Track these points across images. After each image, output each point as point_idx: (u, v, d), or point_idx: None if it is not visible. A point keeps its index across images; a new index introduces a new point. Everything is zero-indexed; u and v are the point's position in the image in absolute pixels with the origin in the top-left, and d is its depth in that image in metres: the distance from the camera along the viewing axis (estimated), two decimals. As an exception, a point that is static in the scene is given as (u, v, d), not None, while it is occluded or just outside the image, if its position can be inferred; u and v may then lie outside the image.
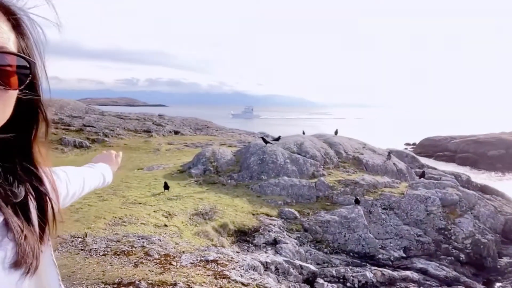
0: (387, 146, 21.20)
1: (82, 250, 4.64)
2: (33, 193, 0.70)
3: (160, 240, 5.11)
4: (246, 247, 7.75)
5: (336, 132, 15.64)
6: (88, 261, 4.26)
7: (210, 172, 11.32)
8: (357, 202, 9.77)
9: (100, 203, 7.85)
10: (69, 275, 3.85)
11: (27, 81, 0.61)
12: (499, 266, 9.20)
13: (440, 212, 9.99)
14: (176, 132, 21.23)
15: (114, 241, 4.96)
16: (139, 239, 5.02)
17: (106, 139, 17.27)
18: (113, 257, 4.38)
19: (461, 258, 8.93)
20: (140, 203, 8.05)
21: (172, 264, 4.15)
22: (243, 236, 8.08)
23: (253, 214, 8.84)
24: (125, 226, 6.35)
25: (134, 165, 12.95)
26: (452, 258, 8.88)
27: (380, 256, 8.65)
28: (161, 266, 4.10)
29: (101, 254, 4.48)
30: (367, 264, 8.29)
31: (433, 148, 34.25)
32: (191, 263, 4.20)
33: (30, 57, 0.62)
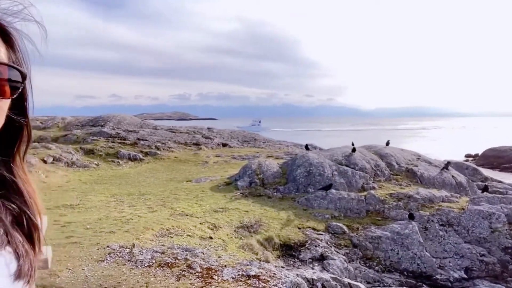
0: (445, 157, 19.87)
1: (128, 260, 4.77)
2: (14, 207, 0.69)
3: (203, 253, 5.12)
4: (291, 262, 7.55)
5: (387, 143, 14.95)
6: (133, 272, 4.36)
7: (256, 184, 11.28)
8: (411, 217, 9.17)
9: (150, 214, 8.10)
10: (114, 285, 3.95)
11: (19, 91, 0.61)
12: None
13: (506, 229, 9.06)
14: (224, 145, 21.59)
15: (159, 252, 5.05)
16: (182, 251, 5.06)
17: (158, 152, 17.97)
18: (157, 269, 4.44)
19: (534, 283, 7.99)
20: (187, 215, 8.19)
21: (213, 278, 4.11)
22: (289, 251, 7.90)
23: (299, 228, 8.62)
24: (171, 237, 6.47)
25: (183, 177, 13.30)
26: (523, 282, 7.97)
27: (438, 276, 7.99)
28: (202, 280, 4.07)
29: (146, 265, 4.56)
30: (423, 285, 7.70)
31: (497, 159, 31.53)
32: (232, 278, 4.13)
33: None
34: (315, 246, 7.99)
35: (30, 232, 0.71)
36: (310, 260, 7.62)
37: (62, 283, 3.96)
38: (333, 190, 10.48)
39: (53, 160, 14.50)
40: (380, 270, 8.04)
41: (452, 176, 12.50)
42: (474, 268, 8.25)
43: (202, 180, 12.44)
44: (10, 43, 0.63)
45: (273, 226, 8.39)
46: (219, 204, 9.37)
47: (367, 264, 8.13)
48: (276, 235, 8.05)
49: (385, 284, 7.52)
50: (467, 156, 37.34)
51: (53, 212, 7.89)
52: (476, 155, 36.52)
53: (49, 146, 16.25)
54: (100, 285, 4.00)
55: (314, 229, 8.73)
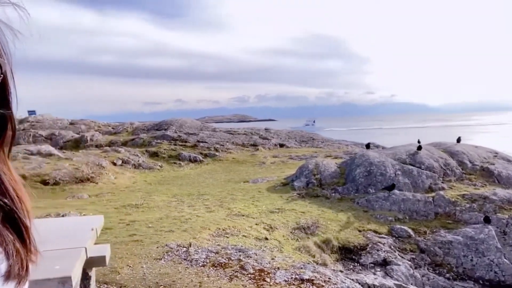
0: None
1: (184, 259, 4.86)
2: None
3: (256, 254, 5.05)
4: (351, 266, 7.20)
5: (458, 140, 13.74)
6: (188, 271, 4.42)
7: (313, 185, 11.01)
8: (487, 220, 8.29)
9: (207, 214, 8.25)
10: (170, 284, 4.03)
11: None
12: None
13: None
14: (281, 145, 21.50)
15: (214, 252, 5.08)
16: (236, 252, 5.05)
17: (217, 153, 18.41)
18: (210, 268, 4.46)
19: None
20: (243, 215, 8.21)
21: (265, 281, 4.02)
22: (348, 254, 7.54)
23: (359, 231, 8.21)
24: (227, 237, 6.51)
25: (241, 178, 13.44)
26: None
27: (521, 287, 7.11)
28: (254, 281, 4.00)
29: (200, 265, 4.61)
30: (503, 296, 6.90)
31: None
32: (285, 281, 4.00)
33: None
34: (377, 250, 7.54)
35: (20, 231, 0.68)
36: (372, 264, 7.20)
37: (122, 280, 4.13)
38: (396, 191, 9.85)
39: (122, 162, 15.52)
40: (451, 277, 7.36)
41: (537, 175, 11.09)
42: None
43: (258, 181, 12.46)
44: None
45: (331, 228, 8.09)
46: (276, 204, 9.28)
47: (437, 271, 7.49)
48: (335, 238, 7.74)
49: (458, 294, 6.87)
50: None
51: (119, 212, 8.39)
52: None
53: (118, 150, 17.44)
54: (157, 283, 4.11)
55: (375, 232, 8.26)
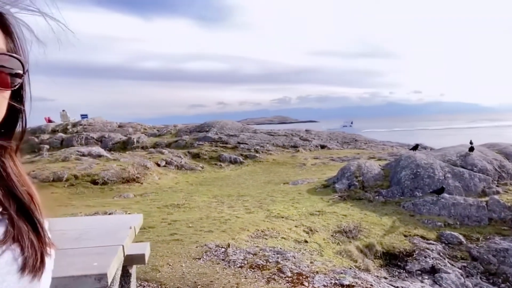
0: None
1: (222, 260, 4.87)
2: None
3: (294, 257, 4.95)
4: (396, 273, 6.87)
5: (515, 140, 12.73)
6: (225, 271, 4.42)
7: (355, 187, 10.67)
8: (550, 228, 7.57)
9: (247, 215, 8.26)
10: (208, 284, 4.05)
11: (21, 81, 0.61)
12: None
13: None
14: (322, 147, 21.13)
15: (252, 253, 5.05)
16: (274, 254, 4.98)
17: (257, 154, 18.45)
18: (248, 270, 4.43)
19: None
20: (282, 217, 8.12)
21: (303, 284, 3.91)
22: (393, 260, 7.20)
23: (405, 236, 7.82)
24: (266, 239, 6.46)
25: (281, 180, 13.35)
26: None
27: None
28: (292, 285, 3.91)
29: (238, 266, 4.60)
30: None
31: None
32: (324, 286, 3.87)
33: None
34: (425, 257, 7.14)
35: (34, 222, 0.69)
36: (419, 272, 6.82)
37: (162, 278, 4.22)
38: (445, 195, 9.29)
39: (165, 163, 16.01)
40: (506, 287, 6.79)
41: None
42: None
43: (299, 183, 12.30)
44: (8, 32, 0.61)
45: (375, 232, 7.78)
46: (316, 207, 9.10)
47: (491, 281, 6.95)
48: (378, 242, 7.43)
49: (516, 307, 6.32)
50: None
51: (162, 211, 8.63)
52: None
53: (162, 151, 18.03)
54: (195, 282, 4.14)
55: (423, 237, 7.83)
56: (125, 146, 21.07)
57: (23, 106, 0.66)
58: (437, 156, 11.31)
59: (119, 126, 27.01)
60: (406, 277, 6.73)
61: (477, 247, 7.60)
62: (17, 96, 0.65)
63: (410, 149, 13.49)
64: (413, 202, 9.38)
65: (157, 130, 26.49)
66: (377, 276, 5.98)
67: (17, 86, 0.61)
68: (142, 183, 12.87)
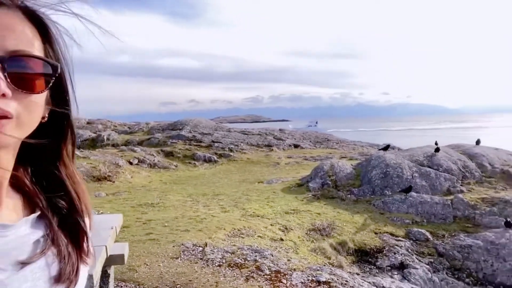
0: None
1: (200, 259, 4.88)
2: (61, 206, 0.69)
3: (272, 255, 5.03)
4: (367, 269, 7.11)
5: (478, 142, 13.45)
6: (204, 270, 4.44)
7: (328, 186, 10.92)
8: (508, 225, 8.07)
9: (222, 214, 8.27)
10: (186, 283, 4.05)
11: (50, 84, 0.60)
12: None
13: None
14: (295, 146, 21.42)
15: (230, 252, 5.08)
16: (252, 253, 5.04)
17: (231, 153, 18.45)
18: (227, 268, 4.47)
19: None
20: (258, 216, 8.20)
21: (282, 282, 4.00)
22: (365, 257, 7.45)
23: (376, 233, 8.10)
24: (242, 238, 6.51)
25: (255, 179, 13.43)
26: None
27: (544, 294, 6.89)
28: (271, 283, 3.98)
29: (216, 264, 4.62)
30: (526, 303, 6.70)
31: None
32: (302, 283, 3.97)
33: (57, 61, 0.61)
34: (394, 253, 7.43)
35: (76, 235, 0.69)
36: (389, 267, 7.10)
37: (140, 278, 4.17)
38: (413, 193, 9.69)
39: (138, 161, 15.71)
40: (471, 282, 7.19)
41: (561, 179, 10.74)
42: None
43: (273, 182, 12.43)
44: (46, 35, 0.61)
45: (347, 230, 8.01)
46: (291, 205, 9.24)
47: (456, 276, 7.33)
48: (350, 240, 7.67)
49: (478, 300, 6.71)
50: None
51: (136, 210, 8.48)
52: None
53: (134, 149, 17.67)
54: (174, 281, 4.13)
55: (392, 234, 8.14)
56: (94, 143, 20.47)
57: (67, 110, 0.65)
58: (405, 156, 11.76)
59: (88, 123, 26.19)
60: (377, 273, 6.98)
61: (443, 243, 7.99)
62: (60, 100, 0.64)
63: (380, 149, 13.93)
64: (383, 200, 9.72)
65: (128, 128, 25.91)
66: (350, 273, 6.17)
67: (46, 89, 0.59)
68: (114, 182, 12.57)
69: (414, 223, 8.75)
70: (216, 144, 19.71)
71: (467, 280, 7.27)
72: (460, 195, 9.54)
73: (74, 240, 0.68)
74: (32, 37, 0.58)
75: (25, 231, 0.62)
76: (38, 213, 0.65)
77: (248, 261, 4.72)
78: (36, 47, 0.58)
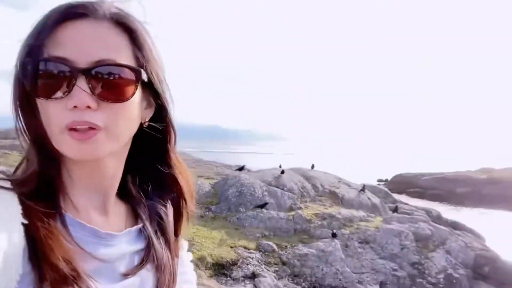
0: (361, 181, 21.67)
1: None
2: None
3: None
4: (224, 281, 7.62)
5: (312, 166, 15.97)
6: None
7: (187, 203, 11.18)
8: (334, 235, 9.86)
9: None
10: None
11: (136, 90, 0.57)
12: (471, 301, 9.40)
13: (413, 246, 10.21)
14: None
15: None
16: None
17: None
18: None
19: (435, 293, 9.09)
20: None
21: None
22: (221, 270, 7.96)
23: (231, 247, 8.74)
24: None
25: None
26: (427, 292, 9.02)
27: (357, 290, 8.67)
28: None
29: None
30: (345, 299, 8.30)
31: (405, 184, 35.19)
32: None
33: (147, 70, 0.59)
34: (247, 264, 8.17)
35: (176, 232, 0.75)
36: (242, 278, 7.77)
37: None
38: (264, 210, 10.84)
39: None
40: (307, 286, 8.46)
41: (368, 198, 13.75)
42: (388, 282, 9.12)
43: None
44: (134, 39, 0.58)
45: (206, 246, 8.40)
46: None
47: (295, 281, 8.51)
48: (209, 254, 8.07)
49: (311, 300, 7.95)
50: (379, 180, 41.04)
51: None
52: (387, 179, 40.36)
53: None
54: None
55: (245, 247, 8.92)
56: None
57: (166, 104, 0.65)
58: (257, 177, 13.07)
59: None
60: (232, 284, 7.55)
61: (285, 253, 9.19)
62: (155, 96, 0.62)
63: (236, 170, 15.05)
64: (237, 216, 10.55)
65: None
66: (209, 286, 6.54)
67: (131, 97, 0.56)
68: None
69: (263, 236, 9.79)
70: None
71: (303, 284, 8.54)
72: (300, 211, 11.16)
73: (170, 246, 0.71)
74: (118, 44, 0.56)
75: (127, 242, 0.63)
76: (141, 225, 0.67)
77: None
78: (123, 54, 0.56)
